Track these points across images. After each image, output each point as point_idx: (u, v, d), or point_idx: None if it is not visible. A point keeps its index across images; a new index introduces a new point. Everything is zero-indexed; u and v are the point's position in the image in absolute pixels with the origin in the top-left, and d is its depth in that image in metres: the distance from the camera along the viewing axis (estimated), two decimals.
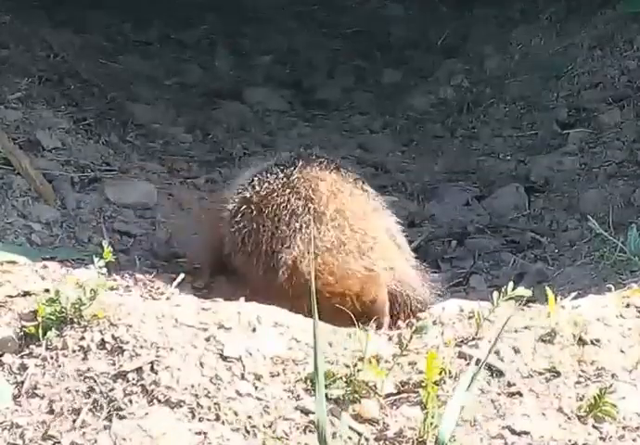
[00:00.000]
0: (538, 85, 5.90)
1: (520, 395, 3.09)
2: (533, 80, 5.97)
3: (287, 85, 6.56)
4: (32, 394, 3.10)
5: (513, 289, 3.22)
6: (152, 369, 3.09)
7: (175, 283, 3.69)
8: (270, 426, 3.00)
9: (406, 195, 5.18)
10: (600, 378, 3.14)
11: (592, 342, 3.23)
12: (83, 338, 3.20)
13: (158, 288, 3.65)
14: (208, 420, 3.00)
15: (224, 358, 3.13)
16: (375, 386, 3.09)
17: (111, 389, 3.07)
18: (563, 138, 5.42)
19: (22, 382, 3.13)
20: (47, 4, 6.59)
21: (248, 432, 2.98)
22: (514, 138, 5.62)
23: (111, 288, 3.45)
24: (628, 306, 3.40)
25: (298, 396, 3.07)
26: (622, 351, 3.22)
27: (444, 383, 3.09)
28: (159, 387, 3.05)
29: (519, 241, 4.72)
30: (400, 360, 3.16)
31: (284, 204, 3.66)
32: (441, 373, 3.09)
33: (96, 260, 3.35)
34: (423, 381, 3.07)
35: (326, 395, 3.03)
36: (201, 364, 3.11)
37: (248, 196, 3.77)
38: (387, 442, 3.00)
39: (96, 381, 3.09)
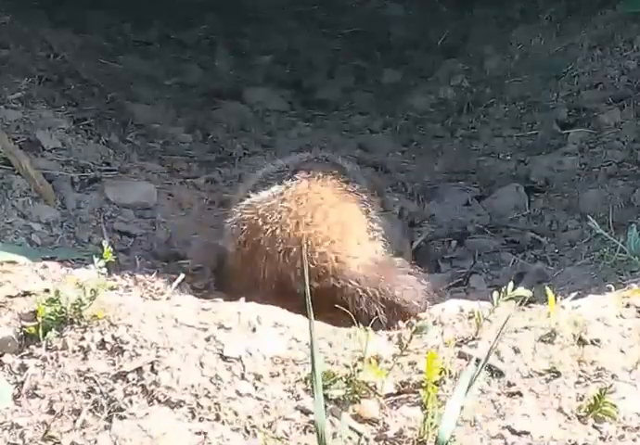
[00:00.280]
0: (538, 85, 5.90)
1: (520, 395, 3.09)
2: (533, 80, 5.97)
3: (287, 85, 6.55)
4: (32, 394, 3.10)
5: (513, 289, 3.23)
6: (152, 369, 3.09)
7: (175, 283, 3.69)
8: (270, 426, 3.00)
9: (406, 195, 5.18)
10: (600, 378, 3.14)
11: (592, 342, 3.23)
12: (83, 339, 3.20)
13: (158, 288, 3.66)
14: (208, 420, 3.00)
15: (224, 358, 3.13)
16: (375, 386, 3.09)
17: (111, 390, 3.07)
18: (563, 138, 5.41)
19: (22, 382, 3.13)
20: (47, 4, 6.58)
21: (248, 432, 2.98)
22: (514, 138, 5.62)
23: (111, 288, 3.45)
24: (628, 306, 3.40)
25: (298, 396, 3.07)
26: (622, 351, 3.22)
27: (444, 383, 3.09)
28: (159, 388, 3.05)
29: (519, 241, 4.72)
30: (400, 360, 3.16)
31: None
32: (441, 373, 3.09)
33: (96, 260, 3.35)
34: (423, 381, 3.07)
35: (326, 395, 3.03)
36: (201, 364, 3.11)
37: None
38: (387, 442, 3.00)
39: (96, 381, 3.09)
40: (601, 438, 3.01)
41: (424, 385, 3.06)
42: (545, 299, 3.32)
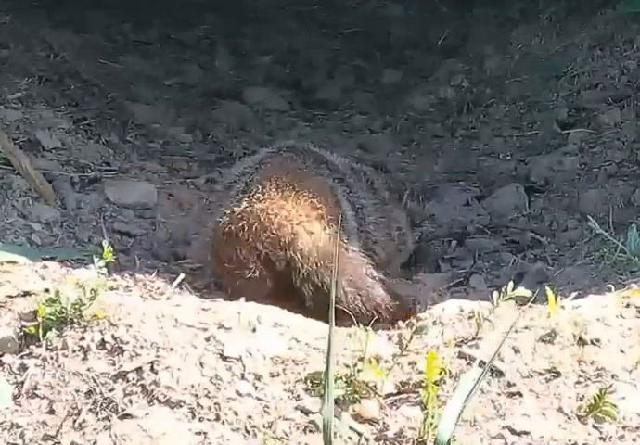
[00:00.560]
0: (538, 85, 5.90)
1: (520, 395, 3.09)
2: (533, 80, 5.97)
3: (287, 85, 6.55)
4: (32, 394, 3.10)
5: (513, 289, 3.22)
6: (152, 369, 3.09)
7: (175, 283, 3.69)
8: (270, 426, 3.00)
9: (406, 195, 5.18)
10: (600, 378, 3.14)
11: (592, 342, 3.23)
12: (83, 338, 3.20)
13: (158, 288, 3.66)
14: (208, 420, 3.00)
15: (224, 358, 3.13)
16: (375, 386, 3.09)
17: (111, 389, 3.07)
18: (563, 138, 5.41)
19: (22, 382, 3.13)
20: (47, 4, 6.58)
21: (248, 432, 2.98)
22: (514, 138, 5.62)
23: (111, 288, 3.45)
24: (628, 306, 3.40)
25: (298, 396, 3.07)
26: (622, 351, 3.22)
27: (444, 383, 3.09)
28: (159, 388, 3.05)
29: (519, 241, 4.72)
30: (400, 360, 3.16)
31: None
32: (441, 373, 3.09)
33: (96, 260, 3.35)
34: (423, 381, 3.07)
35: None
36: (201, 364, 3.11)
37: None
38: (387, 442, 3.00)
39: (96, 381, 3.09)
40: (601, 438, 3.01)
41: (424, 385, 3.06)
42: (545, 299, 3.32)
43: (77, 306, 3.24)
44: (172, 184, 5.03)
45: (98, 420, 3.01)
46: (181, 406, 3.02)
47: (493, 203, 5.06)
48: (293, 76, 6.69)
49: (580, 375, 3.15)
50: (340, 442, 2.95)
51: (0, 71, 5.37)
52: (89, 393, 3.07)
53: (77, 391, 3.08)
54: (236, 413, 3.01)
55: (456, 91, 6.25)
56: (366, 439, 3.00)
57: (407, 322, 3.50)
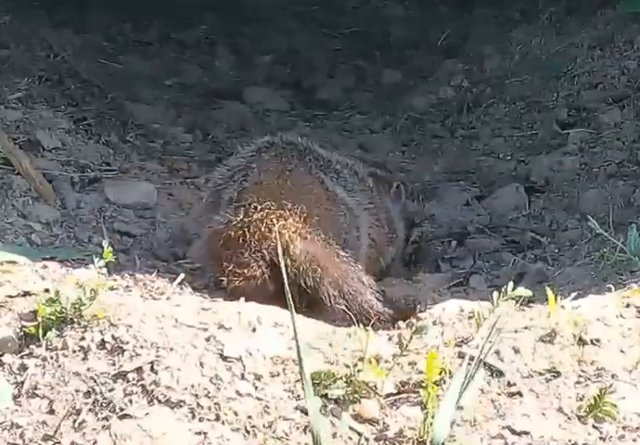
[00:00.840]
0: (538, 85, 5.90)
1: (520, 395, 3.09)
2: (533, 80, 5.97)
3: (287, 85, 6.56)
4: (32, 394, 3.10)
5: (513, 289, 3.22)
6: (152, 369, 3.09)
7: (175, 283, 3.69)
8: (270, 426, 3.00)
9: (406, 194, 5.17)
10: (600, 378, 3.14)
11: (592, 342, 3.23)
12: (83, 338, 3.20)
13: (158, 288, 3.65)
14: (208, 420, 3.00)
15: (224, 358, 3.13)
16: (375, 386, 3.09)
17: (111, 389, 3.07)
18: (563, 138, 5.41)
19: (22, 382, 3.13)
20: (47, 4, 6.59)
21: (248, 432, 2.98)
22: (514, 138, 5.62)
23: (111, 288, 3.45)
24: (628, 306, 3.40)
25: (298, 396, 3.07)
26: (622, 351, 3.22)
27: (444, 383, 3.09)
28: (159, 387, 3.05)
29: (519, 241, 4.72)
30: (400, 360, 3.16)
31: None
32: (441, 373, 3.09)
33: (96, 260, 3.35)
34: (423, 381, 3.07)
35: (326, 395, 3.04)
36: (201, 364, 3.11)
37: None
38: (387, 442, 3.00)
39: (96, 381, 3.09)
40: (601, 438, 3.01)
41: (424, 385, 3.06)
42: (545, 299, 3.32)
43: (77, 306, 3.24)
44: (172, 184, 5.03)
45: (98, 420, 3.01)
46: (181, 406, 3.02)
47: (493, 203, 5.06)
48: (293, 76, 6.70)
49: (580, 375, 3.15)
50: (340, 442, 2.95)
51: (0, 71, 5.38)
52: (89, 393, 3.07)
53: (77, 391, 3.08)
54: (236, 413, 3.01)
55: (456, 91, 6.25)
56: (366, 439, 3.00)
57: (407, 322, 3.50)
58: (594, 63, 5.84)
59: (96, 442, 2.95)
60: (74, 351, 3.18)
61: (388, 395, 3.09)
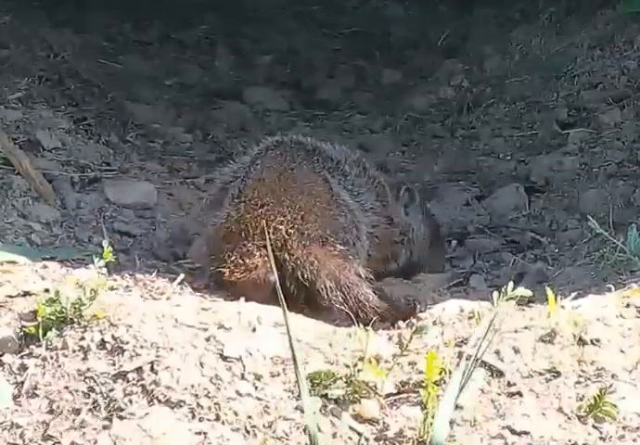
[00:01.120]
0: (538, 85, 5.90)
1: (520, 395, 3.09)
2: (533, 80, 5.97)
3: (287, 85, 6.56)
4: (32, 394, 3.10)
5: (513, 289, 3.22)
6: (152, 369, 3.09)
7: (175, 283, 3.69)
8: (270, 426, 3.00)
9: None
10: (600, 378, 3.14)
11: (592, 342, 3.23)
12: (83, 338, 3.20)
13: (158, 288, 3.65)
14: (208, 420, 3.00)
15: (224, 358, 3.13)
16: (375, 386, 3.09)
17: (111, 389, 3.06)
18: (563, 138, 5.42)
19: (22, 382, 3.13)
20: (47, 4, 6.59)
21: (248, 432, 2.98)
22: (514, 138, 5.62)
23: (111, 288, 3.45)
24: (628, 306, 3.40)
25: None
26: (622, 351, 3.22)
27: (444, 383, 3.09)
28: (159, 387, 3.05)
29: (519, 241, 4.72)
30: (400, 360, 3.16)
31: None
32: (441, 373, 3.09)
33: (96, 260, 3.35)
34: (423, 381, 3.07)
35: (327, 395, 3.04)
36: (201, 364, 3.11)
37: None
38: (387, 442, 3.00)
39: (96, 381, 3.09)
40: (601, 438, 3.01)
41: (424, 385, 3.06)
42: (545, 299, 3.32)
43: (77, 306, 3.24)
44: (172, 184, 5.03)
45: (98, 420, 3.01)
46: (181, 406, 3.02)
47: (493, 203, 5.06)
48: (293, 76, 6.70)
49: (580, 375, 3.15)
50: (340, 442, 2.95)
51: (0, 71, 5.38)
52: (89, 393, 3.07)
53: (77, 391, 3.08)
54: (236, 413, 3.01)
55: (456, 91, 6.25)
56: (366, 439, 3.00)
57: (407, 322, 3.50)
58: (594, 63, 5.84)
59: (96, 442, 2.95)
60: (74, 351, 3.18)
61: (388, 395, 3.09)
